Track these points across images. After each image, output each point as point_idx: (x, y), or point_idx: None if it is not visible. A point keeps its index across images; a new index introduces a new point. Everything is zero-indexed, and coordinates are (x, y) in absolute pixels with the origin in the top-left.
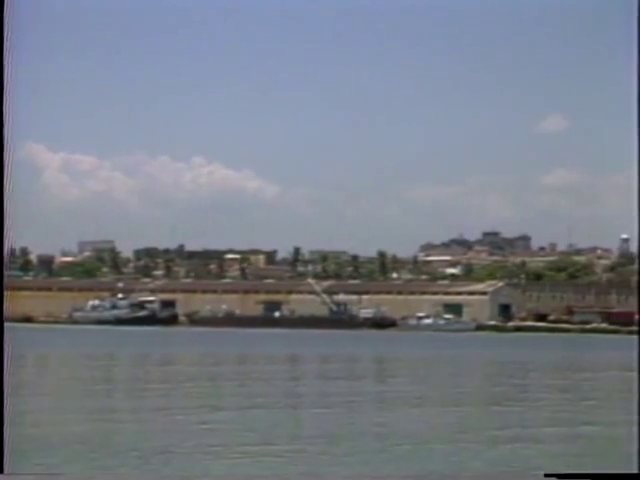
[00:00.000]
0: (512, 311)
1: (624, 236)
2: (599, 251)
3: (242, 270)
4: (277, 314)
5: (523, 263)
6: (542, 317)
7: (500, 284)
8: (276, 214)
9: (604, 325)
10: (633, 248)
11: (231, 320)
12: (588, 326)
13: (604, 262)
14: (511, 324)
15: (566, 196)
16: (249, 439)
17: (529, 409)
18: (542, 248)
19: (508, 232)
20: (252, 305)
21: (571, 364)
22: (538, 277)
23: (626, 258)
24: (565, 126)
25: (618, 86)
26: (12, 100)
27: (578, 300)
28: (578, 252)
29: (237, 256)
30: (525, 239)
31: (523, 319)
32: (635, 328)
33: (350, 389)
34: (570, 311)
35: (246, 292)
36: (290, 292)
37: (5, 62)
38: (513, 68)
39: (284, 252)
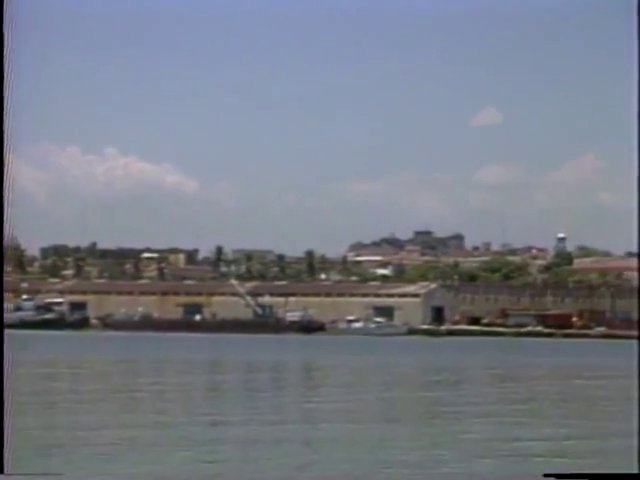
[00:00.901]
0: (445, 314)
1: (560, 235)
2: (534, 251)
3: (160, 270)
4: (198, 317)
5: (456, 264)
6: (476, 320)
7: (433, 286)
8: (197, 211)
9: (539, 328)
10: (570, 247)
11: (148, 324)
12: (523, 329)
13: (539, 262)
14: (444, 328)
15: (500, 193)
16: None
17: (464, 424)
18: (476, 248)
19: (441, 231)
20: (171, 308)
21: (506, 373)
22: (472, 278)
23: (562, 258)
24: (499, 120)
25: (553, 78)
26: None
27: (513, 302)
28: (513, 252)
29: (155, 255)
30: (458, 238)
31: (456, 322)
32: (571, 331)
33: (270, 401)
34: (504, 314)
35: (164, 294)
36: (212, 294)
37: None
38: (447, 61)
39: (205, 251)
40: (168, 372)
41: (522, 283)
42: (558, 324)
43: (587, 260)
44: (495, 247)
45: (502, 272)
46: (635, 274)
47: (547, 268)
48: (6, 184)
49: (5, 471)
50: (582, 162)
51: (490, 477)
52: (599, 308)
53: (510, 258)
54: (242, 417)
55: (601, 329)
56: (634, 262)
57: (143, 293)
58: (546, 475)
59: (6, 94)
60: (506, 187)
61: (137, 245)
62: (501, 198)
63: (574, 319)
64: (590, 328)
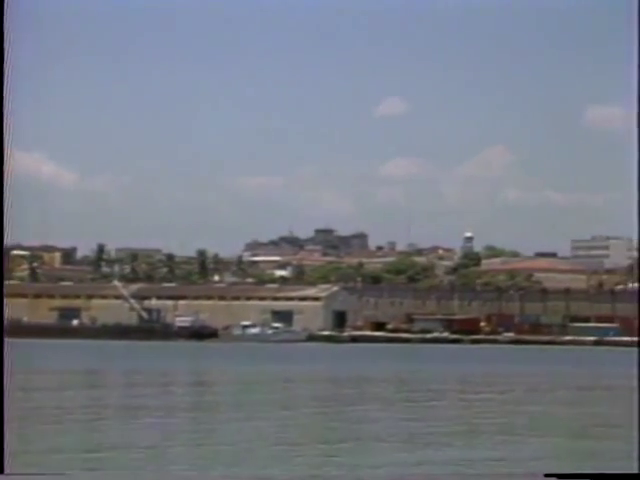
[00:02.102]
0: (348, 319)
1: (467, 234)
2: (440, 251)
3: (32, 270)
4: (75, 322)
5: (360, 264)
6: (380, 325)
7: (335, 288)
8: (75, 205)
9: (446, 334)
10: (477, 247)
11: (17, 329)
12: (429, 335)
13: (446, 263)
14: (346, 334)
15: (406, 189)
16: None
17: (364, 449)
18: (380, 248)
19: (343, 229)
20: (44, 312)
21: (410, 386)
22: (376, 280)
23: (469, 259)
24: (404, 109)
25: (460, 65)
26: None
27: (418, 306)
28: (419, 252)
29: (26, 253)
30: (362, 237)
31: (359, 328)
32: (479, 337)
33: (151, 422)
34: (410, 318)
35: (37, 296)
36: (91, 297)
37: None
38: (350, 51)
39: (85, 250)
40: (29, 384)
41: (428, 285)
42: (465, 329)
43: (495, 261)
44: (400, 247)
45: (407, 274)
46: (544, 275)
47: (454, 269)
48: (6, 185)
49: (5, 471)
50: (490, 155)
51: (489, 477)
52: (507, 312)
53: (416, 259)
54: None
55: (510, 334)
56: (543, 263)
57: (12, 295)
58: (547, 475)
59: (6, 101)
60: (412, 182)
61: (6, 242)
62: (407, 194)
63: (482, 324)
64: (498, 333)
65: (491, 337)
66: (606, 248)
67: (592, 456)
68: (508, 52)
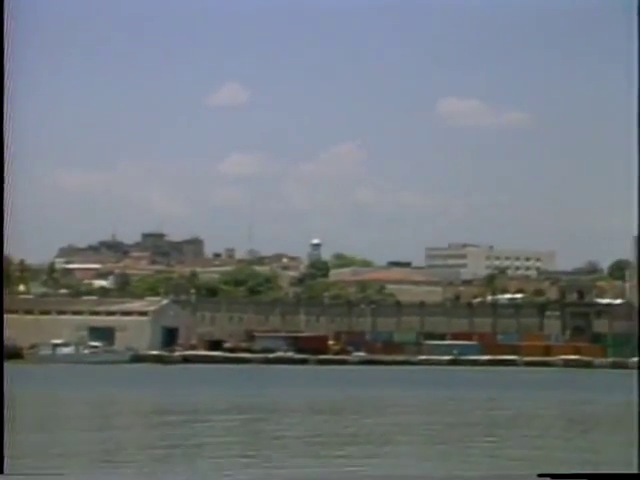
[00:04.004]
0: (179, 336)
1: (315, 241)
2: (285, 260)
3: None
4: None
5: (193, 274)
6: (216, 344)
7: (164, 301)
8: None
9: (291, 354)
10: (326, 255)
11: None
12: (272, 355)
13: (291, 274)
14: (177, 354)
15: (247, 189)
16: None
17: None
18: (217, 255)
19: (175, 234)
20: None
21: (253, 416)
22: (212, 292)
23: (317, 268)
24: (243, 99)
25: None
26: None
27: (260, 322)
28: (261, 261)
29: None
30: (196, 243)
31: (193, 347)
32: (327, 357)
33: None
34: (250, 336)
35: None
36: None
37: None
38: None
39: None
40: None
41: (271, 299)
42: (312, 348)
43: (345, 271)
44: (240, 254)
45: (248, 285)
46: (398, 287)
47: (300, 280)
48: (6, 190)
49: (5, 471)
50: (340, 153)
51: (490, 477)
52: (358, 328)
53: (258, 268)
54: None
55: (360, 354)
56: (396, 273)
57: None
58: (540, 475)
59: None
60: (253, 181)
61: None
62: (248, 195)
63: (330, 342)
64: (348, 353)
65: (340, 357)
66: (463, 257)
67: None
68: (359, 40)
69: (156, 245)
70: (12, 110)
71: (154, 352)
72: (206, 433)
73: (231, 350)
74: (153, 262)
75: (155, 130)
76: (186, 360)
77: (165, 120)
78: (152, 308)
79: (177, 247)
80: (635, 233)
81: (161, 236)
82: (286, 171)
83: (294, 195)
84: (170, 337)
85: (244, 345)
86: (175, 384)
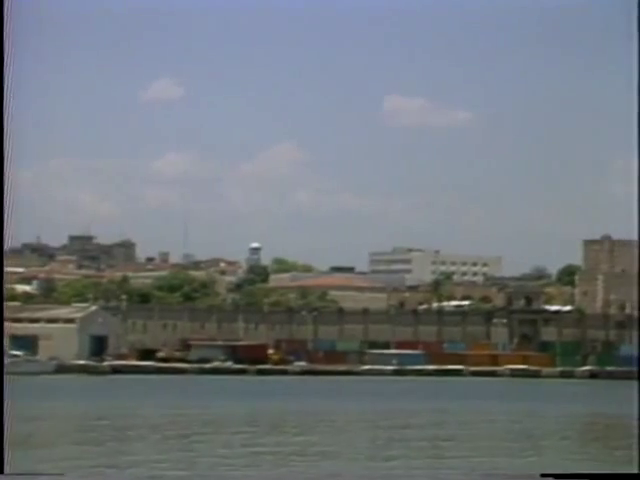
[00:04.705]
0: (109, 345)
1: (254, 245)
2: (223, 264)
3: None
4: None
5: (125, 279)
6: (149, 353)
7: (93, 308)
8: None
9: (228, 363)
10: (265, 260)
11: None
12: (208, 365)
13: (229, 279)
14: (107, 364)
15: (181, 189)
16: None
17: None
18: (150, 259)
19: (105, 236)
20: None
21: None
22: (145, 298)
23: (256, 273)
24: (178, 94)
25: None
26: None
27: (196, 330)
28: (196, 265)
29: None
30: (127, 246)
31: (123, 356)
32: (267, 367)
33: None
34: (185, 345)
35: None
36: None
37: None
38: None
39: None
40: None
41: (208, 305)
42: (251, 358)
43: (285, 276)
44: (175, 258)
45: (183, 291)
46: (340, 293)
47: (238, 286)
48: (6, 187)
49: (5, 471)
50: (279, 153)
51: (488, 477)
52: (299, 337)
53: (193, 273)
54: None
55: (301, 364)
56: (339, 279)
57: None
58: (543, 475)
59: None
60: (189, 181)
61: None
62: (183, 196)
63: (270, 351)
64: (289, 362)
65: (281, 367)
66: (408, 262)
67: None
68: (299, 37)
69: (84, 248)
70: None
71: (81, 362)
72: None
73: (164, 360)
74: (81, 266)
75: (85, 126)
76: (116, 370)
77: (96, 115)
78: (79, 315)
79: (107, 250)
80: (581, 236)
81: (90, 239)
82: (223, 171)
83: (232, 196)
84: (99, 346)
85: (178, 354)
86: (100, 396)
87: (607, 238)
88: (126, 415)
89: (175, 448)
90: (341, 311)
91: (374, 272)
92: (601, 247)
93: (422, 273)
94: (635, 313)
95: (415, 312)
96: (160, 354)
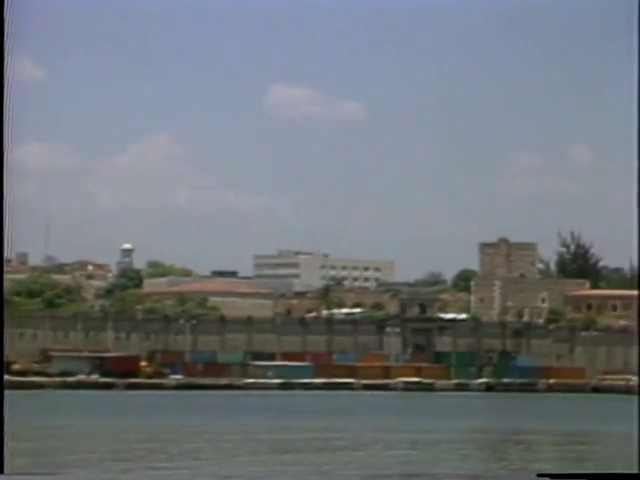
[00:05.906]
0: None
1: (125, 246)
2: (90, 267)
3: None
4: None
5: None
6: (5, 366)
7: None
8: None
9: (95, 377)
10: (139, 263)
11: None
12: (71, 379)
13: (97, 283)
14: None
15: (42, 184)
16: None
17: None
18: (7, 261)
19: None
20: None
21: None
22: None
23: (128, 278)
24: (38, 77)
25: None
26: None
27: (59, 339)
28: (60, 268)
29: None
30: None
31: None
32: (138, 380)
33: None
34: (46, 356)
35: None
36: None
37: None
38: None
39: None
40: None
41: (73, 312)
42: (121, 371)
43: (161, 281)
44: (35, 260)
45: (44, 296)
46: (222, 300)
47: (108, 292)
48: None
49: (5, 471)
50: (151, 145)
51: (489, 477)
52: (176, 348)
53: (56, 277)
54: None
55: (178, 377)
56: (221, 284)
57: None
58: (539, 475)
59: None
60: (51, 175)
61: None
62: (44, 191)
63: (142, 364)
64: (164, 375)
65: (154, 381)
66: (295, 266)
67: None
68: (181, 23)
69: None
70: None
71: None
72: None
73: (20, 373)
74: None
75: None
76: None
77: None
78: None
79: None
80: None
81: None
82: (90, 164)
83: (100, 193)
84: None
85: (37, 367)
86: None
87: (504, 241)
88: None
89: None
90: (223, 319)
91: (259, 277)
92: (497, 251)
93: (310, 278)
94: (534, 320)
95: (303, 320)
96: (16, 366)
